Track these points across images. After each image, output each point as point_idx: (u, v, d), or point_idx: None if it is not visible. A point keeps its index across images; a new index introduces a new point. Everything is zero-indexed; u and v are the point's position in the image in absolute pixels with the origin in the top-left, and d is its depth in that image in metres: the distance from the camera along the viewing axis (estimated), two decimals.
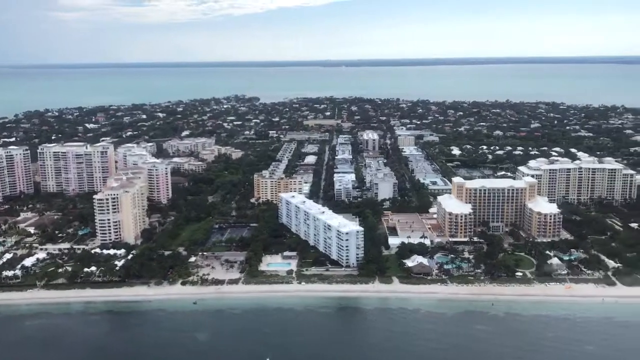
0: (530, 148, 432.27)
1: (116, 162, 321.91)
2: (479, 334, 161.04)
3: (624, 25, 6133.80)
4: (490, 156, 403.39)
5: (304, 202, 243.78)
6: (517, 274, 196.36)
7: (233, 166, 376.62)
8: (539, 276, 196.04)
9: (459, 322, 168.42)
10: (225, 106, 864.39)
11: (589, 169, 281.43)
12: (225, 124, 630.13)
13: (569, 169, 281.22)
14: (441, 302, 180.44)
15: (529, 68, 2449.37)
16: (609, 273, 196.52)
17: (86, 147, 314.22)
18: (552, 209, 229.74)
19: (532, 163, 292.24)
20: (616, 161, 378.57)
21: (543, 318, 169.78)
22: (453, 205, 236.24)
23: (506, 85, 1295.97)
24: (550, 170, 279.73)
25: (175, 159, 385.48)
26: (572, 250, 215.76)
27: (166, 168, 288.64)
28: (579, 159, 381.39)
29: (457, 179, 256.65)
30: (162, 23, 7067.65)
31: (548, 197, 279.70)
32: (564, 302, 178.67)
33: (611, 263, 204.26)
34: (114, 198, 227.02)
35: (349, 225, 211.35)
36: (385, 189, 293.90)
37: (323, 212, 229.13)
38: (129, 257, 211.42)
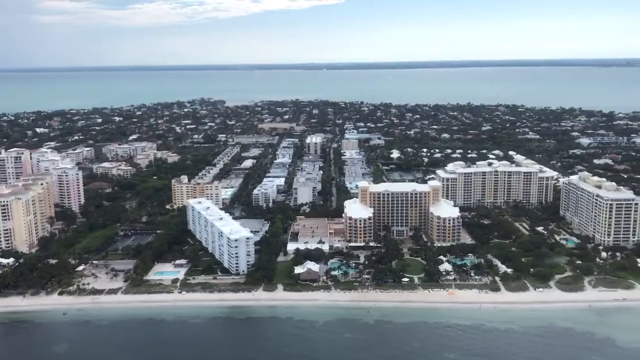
0: (469, 151, 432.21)
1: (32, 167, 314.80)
2: (344, 342, 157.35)
3: (604, 28, 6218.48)
4: (426, 159, 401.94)
5: (208, 208, 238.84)
6: (403, 279, 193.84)
7: (164, 171, 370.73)
8: (426, 282, 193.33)
9: (327, 330, 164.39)
10: (186, 110, 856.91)
11: (505, 172, 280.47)
12: (178, 128, 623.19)
13: (484, 173, 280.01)
14: (319, 310, 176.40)
15: (509, 71, 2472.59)
16: (497, 278, 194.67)
17: (0, 153, 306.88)
18: (452, 213, 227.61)
19: (449, 166, 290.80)
20: (552, 163, 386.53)
21: (414, 325, 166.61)
22: (355, 209, 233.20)
23: (477, 88, 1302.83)
24: (465, 173, 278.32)
25: (105, 164, 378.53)
26: (469, 254, 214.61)
27: (77, 174, 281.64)
28: (515, 161, 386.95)
29: (362, 183, 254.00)
30: (146, 26, 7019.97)
31: (464, 201, 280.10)
32: (441, 309, 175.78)
33: (503, 268, 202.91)
34: (3, 205, 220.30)
35: (240, 232, 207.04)
36: (304, 194, 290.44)
37: (221, 218, 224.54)
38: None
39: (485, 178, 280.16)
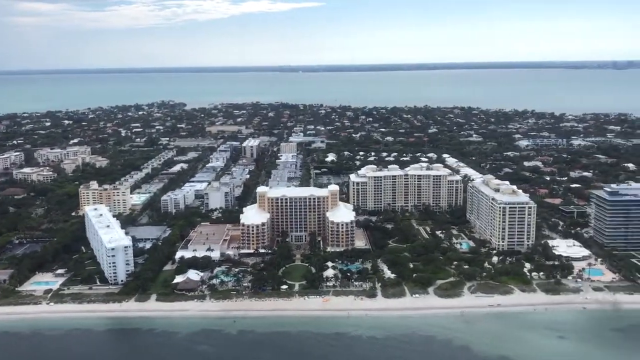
0: (404, 154, 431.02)
1: None
2: (194, 355, 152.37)
3: (577, 32, 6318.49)
4: (358, 162, 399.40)
5: (101, 215, 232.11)
6: (282, 287, 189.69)
7: (89, 176, 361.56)
8: (306, 289, 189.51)
9: (184, 342, 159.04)
10: (141, 112, 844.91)
11: (415, 175, 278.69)
12: (123, 131, 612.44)
13: (395, 176, 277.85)
14: (184, 321, 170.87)
15: (481, 73, 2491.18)
16: (377, 285, 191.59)
17: None
18: (346, 217, 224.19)
19: (361, 170, 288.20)
20: (481, 165, 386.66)
21: (277, 335, 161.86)
22: (250, 215, 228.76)
23: (445, 90, 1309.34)
24: (375, 177, 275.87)
25: (25, 169, 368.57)
26: (359, 260, 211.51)
27: None
28: (447, 164, 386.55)
29: (260, 188, 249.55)
30: (124, 28, 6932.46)
31: (374, 205, 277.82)
32: (310, 317, 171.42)
33: (388, 273, 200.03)
34: None
35: (119, 240, 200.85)
36: (216, 199, 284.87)
37: (108, 225, 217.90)
38: None
39: (395, 182, 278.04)
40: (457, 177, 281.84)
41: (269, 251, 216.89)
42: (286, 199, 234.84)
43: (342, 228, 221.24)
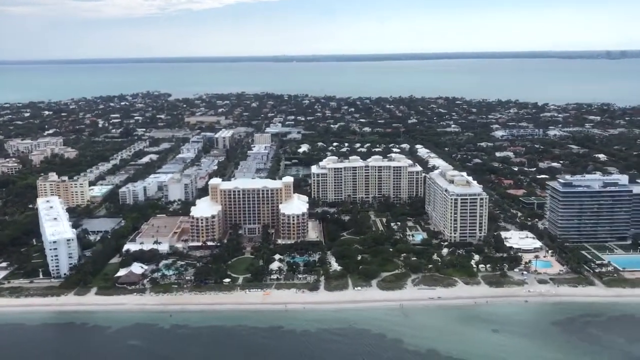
0: (378, 145, 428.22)
1: None
2: (120, 350, 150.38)
3: (570, 22, 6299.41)
4: (329, 153, 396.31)
5: (51, 207, 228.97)
6: (225, 280, 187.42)
7: (53, 168, 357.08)
8: (250, 282, 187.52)
9: (114, 337, 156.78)
10: (123, 103, 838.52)
11: (375, 167, 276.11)
12: (101, 122, 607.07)
13: (355, 168, 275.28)
14: (120, 315, 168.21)
15: (478, 63, 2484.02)
16: (321, 278, 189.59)
17: None
18: (298, 209, 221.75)
19: (323, 162, 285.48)
20: (452, 156, 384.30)
21: (210, 330, 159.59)
22: (201, 208, 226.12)
23: (433, 80, 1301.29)
24: (335, 169, 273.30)
25: None
26: (309, 252, 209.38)
27: None
28: (418, 155, 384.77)
29: (212, 180, 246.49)
30: (118, 18, 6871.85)
31: (335, 196, 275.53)
32: (248, 311, 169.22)
33: (335, 266, 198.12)
34: None
35: (62, 233, 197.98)
36: (175, 191, 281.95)
37: (55, 218, 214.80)
38: None
39: (355, 173, 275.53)
40: (418, 169, 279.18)
41: (218, 244, 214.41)
42: (238, 191, 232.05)
43: (293, 220, 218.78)
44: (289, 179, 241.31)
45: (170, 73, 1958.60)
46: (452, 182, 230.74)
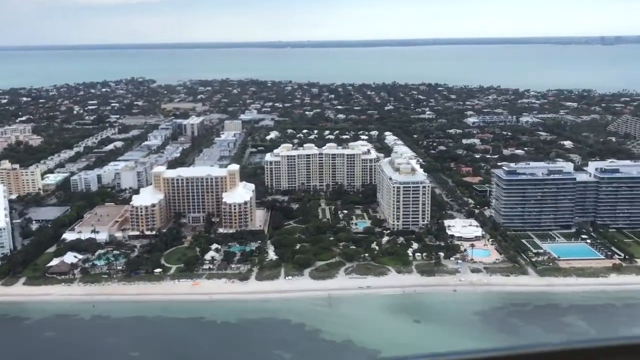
0: (347, 132, 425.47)
1: None
2: (31, 342, 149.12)
3: (566, 7, 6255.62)
4: (296, 140, 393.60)
5: None
6: (156, 270, 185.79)
7: (15, 155, 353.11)
8: (182, 272, 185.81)
9: (29, 328, 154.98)
10: (104, 89, 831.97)
11: (330, 154, 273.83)
12: (77, 108, 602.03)
13: (309, 155, 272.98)
14: (43, 306, 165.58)
15: (471, 49, 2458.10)
16: (255, 267, 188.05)
17: None
18: (240, 198, 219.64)
19: (277, 149, 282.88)
20: (419, 143, 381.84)
21: (131, 320, 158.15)
22: (142, 197, 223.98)
23: (422, 66, 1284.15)
24: (288, 156, 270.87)
25: None
26: (250, 242, 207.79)
27: None
28: (385, 143, 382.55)
29: (156, 168, 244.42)
30: (113, 4, 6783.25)
31: (288, 184, 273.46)
32: (171, 302, 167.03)
33: (272, 255, 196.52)
34: None
35: None
36: (128, 179, 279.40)
37: None
38: None
39: (309, 161, 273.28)
40: (372, 156, 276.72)
41: (156, 233, 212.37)
42: (182, 179, 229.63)
43: (235, 209, 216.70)
44: (234, 167, 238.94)
45: (162, 59, 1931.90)
46: (398, 170, 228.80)
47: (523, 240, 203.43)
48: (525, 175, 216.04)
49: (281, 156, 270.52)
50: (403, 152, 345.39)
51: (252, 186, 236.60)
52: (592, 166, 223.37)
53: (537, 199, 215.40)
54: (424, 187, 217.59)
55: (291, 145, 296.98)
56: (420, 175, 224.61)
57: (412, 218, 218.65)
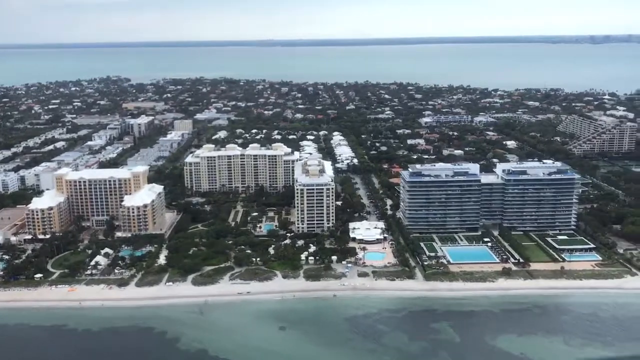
0: (295, 132, 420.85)
1: None
2: None
3: (554, 6, 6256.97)
4: (240, 140, 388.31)
5: None
6: (37, 275, 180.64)
7: None
8: (66, 277, 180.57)
9: None
10: (74, 88, 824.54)
11: (251, 155, 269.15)
12: (36, 108, 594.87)
13: (230, 156, 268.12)
14: None
15: (462, 48, 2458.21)
16: (138, 273, 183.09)
17: None
18: (141, 201, 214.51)
19: (198, 150, 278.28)
20: (365, 144, 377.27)
21: None
22: (42, 199, 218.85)
23: (405, 65, 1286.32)
24: (209, 157, 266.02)
25: None
26: (147, 245, 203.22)
27: None
28: (331, 143, 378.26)
29: (60, 170, 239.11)
30: (107, 2, 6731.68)
31: (209, 186, 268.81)
32: (41, 308, 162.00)
33: (161, 260, 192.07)
34: None
35: None
36: (47, 181, 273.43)
37: None
38: None
39: (231, 162, 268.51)
40: (294, 157, 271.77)
41: (47, 237, 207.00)
42: (84, 182, 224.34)
43: (133, 212, 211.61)
44: (139, 169, 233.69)
45: (149, 58, 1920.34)
46: (307, 171, 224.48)
47: (421, 243, 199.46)
48: (430, 177, 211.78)
49: (201, 157, 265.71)
50: (342, 153, 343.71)
51: (159, 188, 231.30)
52: (500, 168, 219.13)
53: (442, 201, 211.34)
54: (327, 189, 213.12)
55: (213, 145, 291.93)
56: (326, 177, 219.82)
57: (317, 221, 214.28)
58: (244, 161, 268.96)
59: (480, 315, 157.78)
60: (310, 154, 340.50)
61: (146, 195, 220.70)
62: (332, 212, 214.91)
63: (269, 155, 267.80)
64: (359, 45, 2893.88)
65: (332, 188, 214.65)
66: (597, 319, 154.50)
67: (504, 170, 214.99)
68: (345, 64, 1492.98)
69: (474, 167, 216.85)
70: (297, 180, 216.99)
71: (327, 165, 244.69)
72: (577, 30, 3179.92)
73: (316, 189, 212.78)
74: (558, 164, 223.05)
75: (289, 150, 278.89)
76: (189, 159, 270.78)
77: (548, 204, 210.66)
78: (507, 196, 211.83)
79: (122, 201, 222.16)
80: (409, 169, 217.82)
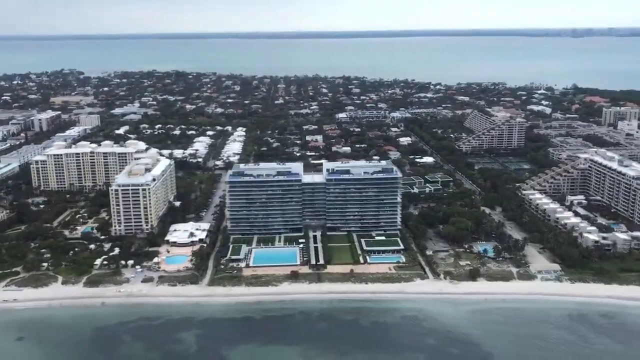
0: (209, 127, 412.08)
1: None
2: None
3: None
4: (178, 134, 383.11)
5: None
6: None
7: None
8: None
9: None
10: (16, 82, 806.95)
11: (102, 153, 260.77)
12: None
13: (79, 154, 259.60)
14: None
15: (447, 41, 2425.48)
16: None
17: None
18: None
19: (47, 149, 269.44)
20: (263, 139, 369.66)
21: None
22: None
23: (378, 59, 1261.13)
24: (55, 155, 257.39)
25: None
26: None
27: None
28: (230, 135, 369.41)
29: None
30: None
31: (57, 185, 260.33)
32: None
33: None
34: None
35: None
36: None
37: None
38: None
39: (80, 160, 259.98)
40: (147, 155, 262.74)
41: None
42: None
43: None
44: None
45: (125, 50, 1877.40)
46: (147, 170, 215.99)
47: (230, 245, 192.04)
48: (251, 177, 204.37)
49: (47, 155, 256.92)
50: (229, 150, 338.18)
51: None
52: (325, 167, 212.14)
53: (263, 201, 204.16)
54: (143, 189, 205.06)
55: (64, 143, 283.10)
56: (147, 176, 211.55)
57: (135, 223, 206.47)
58: (94, 159, 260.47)
59: (234, 324, 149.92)
60: (197, 150, 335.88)
61: None
62: (151, 213, 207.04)
63: (118, 153, 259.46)
64: (352, 38, 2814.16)
65: (149, 189, 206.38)
66: (359, 327, 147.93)
67: (327, 170, 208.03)
68: (321, 56, 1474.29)
69: (296, 167, 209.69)
70: (114, 181, 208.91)
71: (164, 162, 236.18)
72: (562, 24, 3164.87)
73: (132, 189, 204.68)
74: (384, 162, 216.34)
75: (144, 147, 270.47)
76: (37, 157, 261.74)
77: (371, 204, 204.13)
78: (329, 196, 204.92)
79: None
80: (233, 169, 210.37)
